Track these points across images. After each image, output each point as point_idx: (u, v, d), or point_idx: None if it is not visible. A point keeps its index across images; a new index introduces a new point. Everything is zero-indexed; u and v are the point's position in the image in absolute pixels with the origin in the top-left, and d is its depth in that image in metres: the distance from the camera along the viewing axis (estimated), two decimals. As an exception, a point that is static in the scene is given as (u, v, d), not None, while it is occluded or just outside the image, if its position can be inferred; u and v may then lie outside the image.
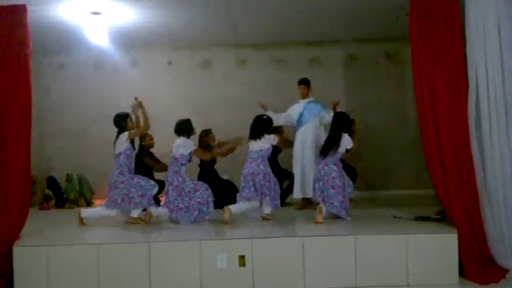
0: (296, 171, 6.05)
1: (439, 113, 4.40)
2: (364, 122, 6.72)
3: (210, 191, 5.22)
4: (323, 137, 5.60)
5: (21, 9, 4.54)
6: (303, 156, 5.97)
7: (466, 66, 4.42)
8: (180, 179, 5.14)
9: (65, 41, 6.85)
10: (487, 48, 4.34)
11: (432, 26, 4.46)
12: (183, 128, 5.25)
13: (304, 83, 6.14)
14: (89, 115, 6.37)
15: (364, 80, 7.19)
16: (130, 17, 6.07)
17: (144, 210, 5.16)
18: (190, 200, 5.10)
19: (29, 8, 4.57)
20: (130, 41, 7.11)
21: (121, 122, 5.16)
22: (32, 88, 4.59)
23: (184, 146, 5.18)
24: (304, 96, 6.12)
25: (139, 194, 5.03)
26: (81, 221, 5.14)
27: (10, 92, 4.47)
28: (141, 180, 5.11)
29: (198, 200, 5.12)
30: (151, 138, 6.28)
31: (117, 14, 5.90)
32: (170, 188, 5.14)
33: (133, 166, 5.21)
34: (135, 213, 5.12)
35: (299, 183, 5.98)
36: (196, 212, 5.09)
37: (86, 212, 5.28)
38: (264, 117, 5.19)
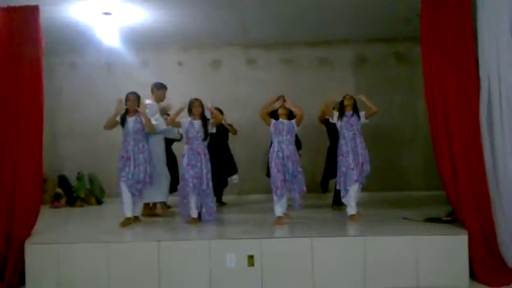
0: None
1: (450, 114, 4.36)
2: (375, 123, 6.68)
3: None
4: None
5: (34, 10, 4.60)
6: None
7: (477, 68, 4.37)
8: None
9: (77, 41, 6.91)
10: (499, 50, 4.29)
11: (443, 27, 4.42)
12: None
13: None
14: (100, 114, 6.41)
15: (374, 81, 7.12)
16: (141, 17, 6.11)
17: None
18: None
19: (42, 9, 4.62)
20: (141, 41, 7.15)
21: None
22: (44, 87, 4.65)
23: None
24: None
25: None
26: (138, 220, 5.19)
27: (23, 91, 4.52)
28: None
29: None
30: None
31: (128, 14, 5.94)
32: None
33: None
34: None
35: None
36: None
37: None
38: None
